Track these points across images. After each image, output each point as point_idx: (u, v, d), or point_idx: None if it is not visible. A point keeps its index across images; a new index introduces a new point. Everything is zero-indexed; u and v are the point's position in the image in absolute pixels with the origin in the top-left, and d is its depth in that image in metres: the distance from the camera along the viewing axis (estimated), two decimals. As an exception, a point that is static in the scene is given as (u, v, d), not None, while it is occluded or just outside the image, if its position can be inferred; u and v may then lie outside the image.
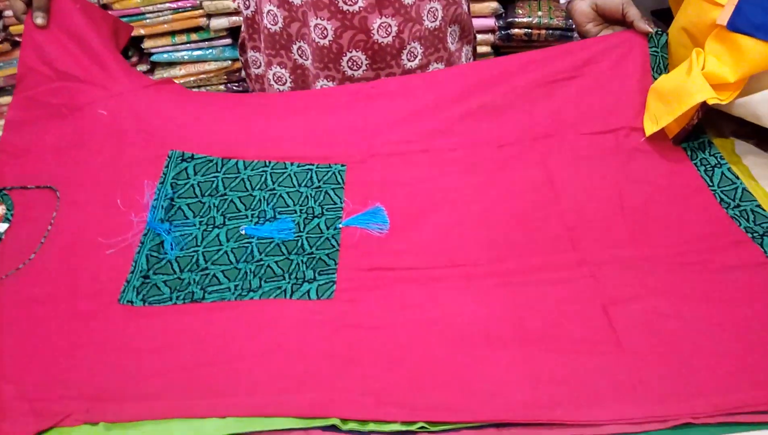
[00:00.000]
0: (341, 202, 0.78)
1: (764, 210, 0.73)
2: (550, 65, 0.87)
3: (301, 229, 0.76)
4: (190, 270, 0.72)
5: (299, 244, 0.74)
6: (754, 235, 0.70)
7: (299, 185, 0.81)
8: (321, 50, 0.92)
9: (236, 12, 1.86)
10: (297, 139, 0.86)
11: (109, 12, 1.77)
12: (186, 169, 0.82)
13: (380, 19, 0.89)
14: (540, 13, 1.90)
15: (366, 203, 0.78)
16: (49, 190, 0.80)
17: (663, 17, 1.75)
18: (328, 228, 0.76)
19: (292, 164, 0.83)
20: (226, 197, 0.80)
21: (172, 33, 1.92)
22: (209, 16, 1.89)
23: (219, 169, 0.83)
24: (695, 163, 0.80)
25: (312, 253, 0.73)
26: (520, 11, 1.92)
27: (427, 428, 0.55)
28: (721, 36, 0.75)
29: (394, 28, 0.91)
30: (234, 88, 2.04)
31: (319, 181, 0.81)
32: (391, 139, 0.86)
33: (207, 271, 0.72)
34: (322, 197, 0.79)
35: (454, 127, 0.86)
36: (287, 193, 0.80)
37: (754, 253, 0.68)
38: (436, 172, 0.82)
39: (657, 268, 0.67)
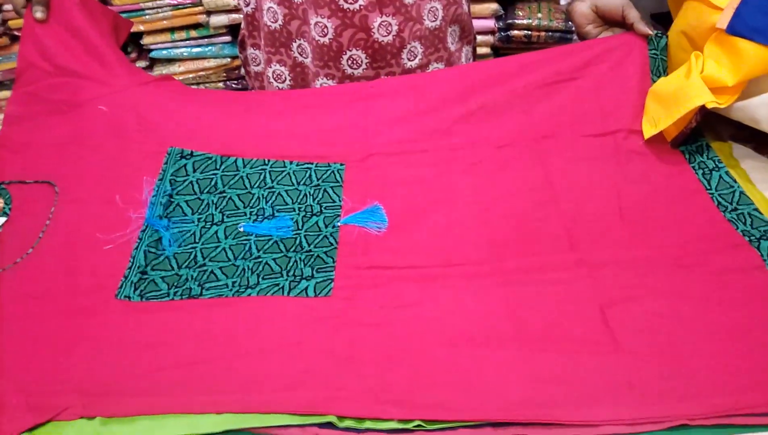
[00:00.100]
0: (340, 201, 0.79)
1: (761, 213, 0.73)
2: (549, 67, 0.88)
3: (300, 227, 0.76)
4: (188, 266, 0.72)
5: (297, 241, 0.74)
6: (751, 238, 0.70)
7: (298, 183, 0.81)
8: (321, 48, 0.92)
9: (236, 9, 1.86)
10: (296, 137, 0.86)
11: (109, 7, 1.77)
12: (185, 166, 0.82)
13: (381, 17, 0.89)
14: (540, 14, 1.91)
15: (365, 202, 0.78)
16: (47, 185, 0.80)
17: (662, 21, 1.75)
18: (326, 226, 0.76)
19: (291, 162, 0.83)
20: (224, 194, 0.80)
21: (172, 29, 1.92)
22: (209, 13, 1.89)
23: (218, 167, 0.83)
24: (693, 166, 0.80)
25: (310, 250, 0.73)
26: (520, 13, 1.93)
27: (423, 426, 0.56)
28: (720, 40, 0.75)
29: (395, 27, 0.91)
30: (233, 85, 2.04)
31: (318, 180, 0.81)
32: (391, 139, 0.86)
33: (205, 268, 0.72)
34: (320, 195, 0.79)
35: (453, 127, 0.86)
36: (286, 191, 0.80)
37: (750, 257, 0.68)
38: (435, 171, 0.82)
39: (655, 270, 0.68)
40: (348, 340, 0.63)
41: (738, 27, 0.73)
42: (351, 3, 0.87)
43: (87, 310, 0.66)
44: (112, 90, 0.87)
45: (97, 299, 0.67)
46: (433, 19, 0.94)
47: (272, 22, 0.94)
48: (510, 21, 1.92)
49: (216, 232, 0.76)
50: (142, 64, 1.96)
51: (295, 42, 0.95)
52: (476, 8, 1.89)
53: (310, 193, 0.80)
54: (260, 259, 0.72)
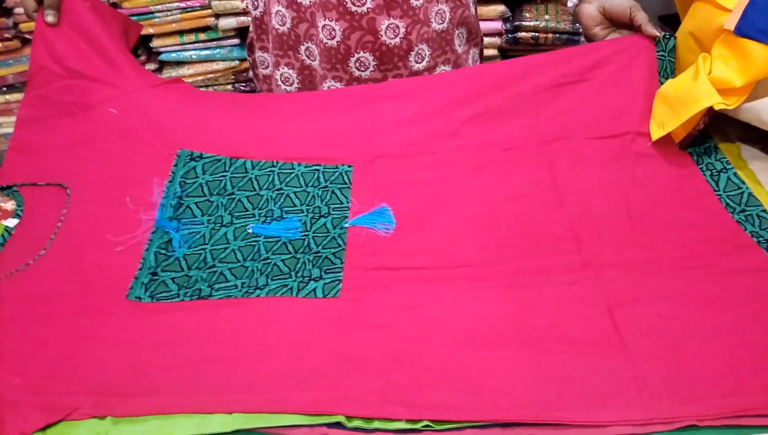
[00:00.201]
0: (348, 202, 0.79)
1: (770, 214, 0.73)
2: (557, 69, 0.88)
3: (308, 229, 0.76)
4: (197, 267, 0.72)
5: (306, 243, 0.75)
6: (760, 239, 0.70)
7: (306, 185, 0.82)
8: (329, 51, 0.93)
9: (244, 12, 1.87)
10: (304, 139, 0.87)
11: (119, 10, 1.78)
12: (195, 168, 0.83)
13: (388, 20, 0.90)
14: (547, 16, 1.91)
15: (372, 203, 0.78)
16: (59, 188, 0.81)
17: (670, 22, 1.75)
18: (334, 227, 0.76)
19: (299, 164, 0.84)
20: (233, 196, 0.81)
21: (181, 32, 1.93)
22: (217, 15, 1.89)
23: (227, 169, 0.83)
24: (701, 168, 0.80)
25: (318, 251, 0.73)
26: (527, 14, 1.92)
27: (431, 427, 0.56)
28: (728, 41, 0.75)
29: (402, 30, 0.91)
30: (241, 88, 2.04)
31: (326, 181, 0.82)
32: (398, 141, 0.86)
33: (214, 269, 0.72)
34: (328, 197, 0.80)
35: (460, 129, 0.86)
36: (294, 192, 0.81)
37: (759, 258, 0.68)
38: (442, 173, 0.82)
39: (662, 272, 0.68)
40: (356, 340, 0.63)
41: (746, 28, 0.73)
42: (359, 6, 0.88)
43: (98, 311, 0.67)
44: (122, 92, 0.88)
45: (108, 300, 0.68)
46: (441, 21, 0.95)
47: (280, 25, 0.95)
48: (517, 23, 1.92)
49: (225, 234, 0.76)
50: (151, 66, 1.97)
51: (303, 45, 0.96)
52: (483, 10, 1.89)
53: (318, 194, 0.80)
54: (269, 261, 0.73)
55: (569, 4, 0.95)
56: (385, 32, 0.91)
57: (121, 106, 0.87)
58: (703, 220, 0.73)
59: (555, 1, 1.92)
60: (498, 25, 1.93)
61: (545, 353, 0.61)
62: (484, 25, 1.88)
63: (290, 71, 1.00)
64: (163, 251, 0.74)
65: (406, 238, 0.74)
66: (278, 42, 0.97)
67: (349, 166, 0.83)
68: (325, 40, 0.92)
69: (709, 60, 0.77)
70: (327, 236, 0.75)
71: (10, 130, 1.90)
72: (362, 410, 0.57)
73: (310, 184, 0.82)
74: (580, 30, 1.65)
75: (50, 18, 0.86)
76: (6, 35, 1.88)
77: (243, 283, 0.70)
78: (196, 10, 1.88)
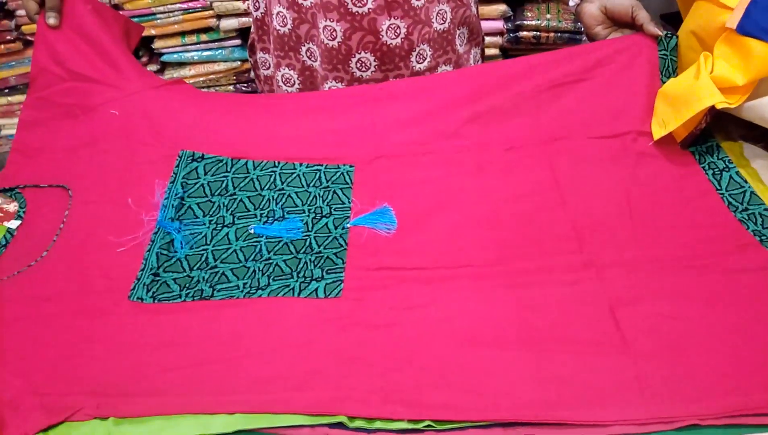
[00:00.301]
0: (349, 202, 0.79)
1: (772, 213, 0.73)
2: (558, 68, 0.88)
3: (310, 229, 0.76)
4: (199, 268, 0.73)
5: (307, 243, 0.75)
6: (762, 238, 0.70)
7: (308, 185, 0.82)
8: (330, 52, 0.93)
9: (246, 13, 1.87)
10: (306, 139, 0.87)
11: (120, 12, 1.79)
12: (196, 168, 0.83)
13: (389, 20, 0.90)
14: (549, 15, 1.90)
15: (374, 203, 0.78)
16: (61, 189, 0.81)
17: (672, 21, 1.75)
18: (336, 227, 0.76)
19: (301, 165, 0.84)
20: (235, 197, 0.81)
21: (183, 33, 1.93)
22: (219, 16, 1.90)
23: (229, 169, 0.83)
24: (703, 167, 0.80)
25: (320, 252, 0.73)
26: (529, 14, 1.92)
27: (433, 427, 0.56)
28: (730, 39, 0.75)
29: (403, 30, 0.91)
30: (243, 88, 2.05)
31: (327, 182, 0.82)
32: (399, 141, 0.86)
33: (216, 270, 0.72)
34: (330, 197, 0.80)
35: (461, 129, 0.86)
36: (296, 193, 0.81)
37: (761, 256, 0.68)
38: (443, 173, 0.82)
39: (664, 271, 0.67)
40: (357, 340, 0.63)
41: (748, 27, 0.73)
42: (360, 6, 0.88)
43: (100, 312, 0.67)
44: (123, 94, 0.88)
45: (110, 301, 0.68)
46: (442, 21, 0.94)
47: (281, 26, 0.95)
48: (519, 22, 1.92)
49: (227, 234, 0.76)
50: (153, 67, 1.98)
51: (304, 46, 0.96)
52: (485, 9, 1.88)
53: (319, 194, 0.80)
54: (271, 261, 0.73)
55: (571, 3, 0.95)
56: (386, 32, 0.91)
57: (123, 108, 0.87)
58: (705, 219, 0.73)
59: (556, 1, 1.92)
60: (499, 25, 1.93)
61: (546, 353, 0.60)
62: (486, 25, 1.88)
63: (291, 72, 1.00)
64: (165, 252, 0.74)
65: (407, 238, 0.74)
66: (279, 43, 0.97)
67: (351, 166, 0.83)
68: (326, 41, 0.92)
69: (710, 59, 0.77)
70: (329, 236, 0.75)
71: (13, 131, 1.91)
72: (364, 410, 0.57)
73: (311, 185, 0.82)
74: (582, 29, 1.65)
75: (52, 20, 0.86)
76: (8, 37, 1.89)
77: (245, 284, 0.70)
78: (197, 11, 1.88)
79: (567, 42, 1.93)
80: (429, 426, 0.56)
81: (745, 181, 0.77)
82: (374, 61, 0.94)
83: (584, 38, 1.78)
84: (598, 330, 0.62)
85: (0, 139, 2.10)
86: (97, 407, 0.58)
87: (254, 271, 0.72)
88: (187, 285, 0.70)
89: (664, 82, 0.85)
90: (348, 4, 0.88)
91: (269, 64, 1.04)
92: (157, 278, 0.71)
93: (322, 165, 0.84)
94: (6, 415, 0.57)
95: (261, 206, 0.80)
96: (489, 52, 1.97)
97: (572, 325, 0.63)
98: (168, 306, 0.68)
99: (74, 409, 0.58)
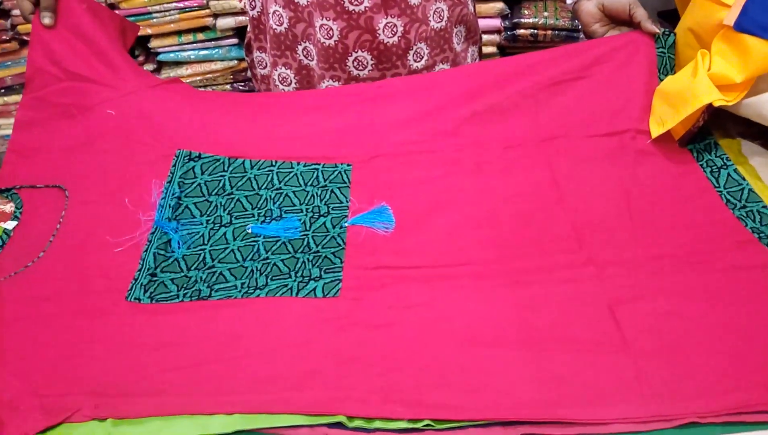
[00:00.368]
0: (347, 201, 0.79)
1: (771, 210, 0.73)
2: (556, 66, 0.87)
3: (307, 228, 0.76)
4: (197, 268, 0.72)
5: (305, 242, 0.74)
6: (761, 235, 0.70)
7: (305, 184, 0.81)
8: (326, 50, 0.92)
9: (243, 12, 1.87)
10: (303, 138, 0.87)
11: (116, 11, 1.78)
12: (193, 168, 0.83)
13: (386, 19, 0.90)
14: (546, 13, 1.90)
15: (372, 202, 0.78)
16: (58, 189, 0.81)
17: (669, 18, 1.75)
18: (333, 227, 0.76)
19: (298, 164, 0.84)
20: (232, 196, 0.80)
21: (179, 32, 1.92)
22: (216, 15, 1.89)
23: (226, 169, 0.83)
24: (701, 165, 0.80)
25: (318, 251, 0.73)
26: (526, 12, 1.92)
27: (433, 426, 0.56)
28: (727, 36, 0.75)
29: (400, 29, 0.91)
30: (240, 87, 2.04)
31: (325, 181, 0.82)
32: (397, 140, 0.86)
33: (214, 269, 0.72)
34: (328, 196, 0.80)
35: (459, 127, 0.86)
36: (293, 192, 0.81)
37: (760, 254, 0.68)
38: (441, 172, 0.82)
39: (663, 269, 0.67)
40: (356, 340, 0.63)
41: (745, 24, 0.73)
42: (356, 5, 0.88)
43: (97, 312, 0.67)
44: (120, 93, 0.88)
45: (108, 301, 0.68)
46: (439, 19, 0.94)
47: (278, 25, 0.95)
48: (516, 20, 1.92)
49: (224, 234, 0.76)
50: (149, 67, 1.97)
51: (301, 45, 0.96)
52: (482, 7, 1.88)
53: (317, 193, 0.80)
54: (268, 261, 0.73)
55: (568, 1, 0.95)
56: (383, 31, 0.91)
57: (120, 108, 0.87)
58: (703, 217, 0.73)
59: (554, -2, 1.92)
60: (497, 23, 1.93)
61: (546, 352, 0.60)
62: (483, 23, 1.88)
63: (288, 71, 1.00)
64: (162, 252, 0.73)
65: (405, 238, 0.74)
66: (276, 42, 0.97)
67: (348, 165, 0.83)
68: (322, 40, 0.91)
69: (708, 56, 0.77)
70: (326, 236, 0.75)
71: (9, 132, 1.90)
72: (363, 410, 0.57)
73: (309, 184, 0.81)
74: (579, 27, 1.64)
75: (47, 20, 0.86)
76: (4, 37, 1.88)
77: (242, 284, 0.70)
78: (194, 10, 1.87)
79: (564, 40, 1.93)
80: (428, 425, 0.56)
81: (743, 179, 0.77)
82: (371, 59, 0.94)
83: (581, 36, 1.78)
84: (597, 329, 0.62)
85: (-4, 140, 2.09)
86: (95, 408, 0.58)
87: (252, 270, 0.72)
88: (184, 285, 0.70)
89: (661, 80, 0.84)
90: (344, 2, 0.87)
91: (266, 64, 1.04)
92: (155, 278, 0.71)
93: (319, 164, 0.84)
94: (5, 416, 0.57)
95: (258, 206, 0.79)
96: (486, 50, 1.97)
97: (572, 324, 0.63)
98: (166, 306, 0.68)
99: (73, 410, 0.58)
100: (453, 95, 0.88)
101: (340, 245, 0.74)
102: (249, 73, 1.18)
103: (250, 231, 0.76)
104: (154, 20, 1.87)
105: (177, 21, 1.88)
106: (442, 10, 0.94)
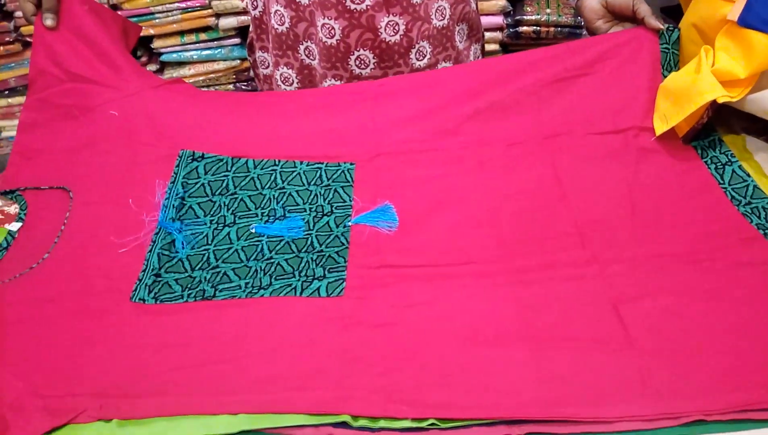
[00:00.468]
0: (350, 200, 0.79)
1: (776, 207, 0.72)
2: (559, 63, 0.87)
3: (311, 227, 0.76)
4: (201, 268, 0.72)
5: (309, 242, 0.74)
6: (766, 231, 0.70)
7: (309, 184, 0.81)
8: (328, 50, 0.92)
9: (245, 11, 1.86)
10: (306, 137, 0.87)
11: (119, 12, 1.78)
12: (196, 168, 0.83)
13: (388, 17, 0.89)
14: (548, 10, 1.90)
15: (375, 201, 0.78)
16: (62, 191, 0.81)
17: (672, 14, 1.74)
18: (337, 226, 0.76)
19: (301, 163, 0.84)
20: (236, 196, 0.80)
21: (182, 33, 1.93)
22: (218, 15, 1.90)
23: (229, 169, 0.83)
24: (706, 162, 0.80)
25: (322, 250, 0.73)
26: (529, 8, 1.92)
27: (437, 425, 0.56)
28: (731, 32, 0.75)
29: (402, 27, 0.91)
30: (243, 87, 2.04)
31: (328, 180, 0.82)
32: (400, 138, 0.86)
33: (218, 270, 0.72)
34: (331, 195, 0.80)
35: (462, 125, 0.86)
36: (297, 191, 0.81)
37: (765, 250, 0.67)
38: (444, 170, 0.82)
39: (667, 266, 0.67)
40: (360, 339, 0.63)
41: (750, 19, 0.72)
42: (358, 3, 0.87)
43: (102, 313, 0.67)
44: (123, 94, 0.88)
45: (112, 302, 0.68)
46: (441, 18, 0.94)
47: (279, 24, 0.95)
48: (518, 17, 1.91)
49: (228, 234, 0.76)
50: (152, 67, 1.97)
51: (302, 44, 0.96)
52: (484, 5, 1.88)
53: (320, 193, 0.80)
54: (272, 260, 0.73)
55: (571, -2, 0.95)
56: (385, 29, 0.90)
57: (123, 108, 0.87)
58: (708, 214, 0.73)
59: (556, -5, 1.91)
60: (499, 20, 1.93)
61: (550, 350, 0.60)
62: (485, 20, 1.88)
63: (290, 71, 1.00)
64: (166, 252, 0.74)
65: (409, 236, 0.74)
66: (277, 42, 0.97)
67: (352, 164, 0.83)
68: (324, 39, 0.91)
69: (711, 52, 0.77)
70: (330, 235, 0.75)
71: (13, 133, 1.91)
72: (367, 409, 0.57)
73: (312, 183, 0.81)
74: (582, 23, 1.64)
75: (49, 21, 0.86)
76: (7, 38, 1.89)
77: (246, 284, 0.70)
78: (196, 10, 1.88)
79: (567, 37, 1.92)
80: (433, 424, 0.56)
81: (748, 175, 0.77)
82: (373, 58, 0.93)
83: (584, 32, 1.78)
84: (601, 327, 0.62)
85: (0, 141, 2.10)
86: (100, 409, 0.58)
87: (256, 270, 0.72)
88: (188, 285, 0.70)
89: (665, 77, 0.84)
90: (346, 1, 0.87)
91: (268, 63, 1.04)
92: (159, 279, 0.71)
93: (322, 163, 0.83)
94: (9, 418, 0.57)
95: (262, 205, 0.79)
96: (489, 47, 1.96)
97: (575, 322, 0.63)
98: (170, 306, 0.68)
99: (77, 411, 0.58)
100: (455, 93, 0.88)
101: (343, 244, 0.74)
102: (252, 73, 1.18)
103: (253, 231, 0.76)
104: (157, 21, 1.88)
105: (179, 21, 1.88)
106: (445, 8, 0.94)
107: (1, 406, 0.58)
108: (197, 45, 1.95)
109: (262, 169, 0.83)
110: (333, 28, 0.90)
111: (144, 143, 0.85)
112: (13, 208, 0.80)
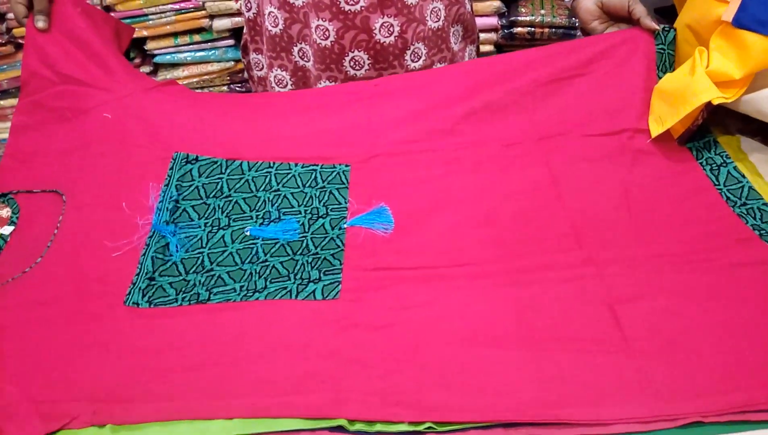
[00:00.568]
0: (346, 202, 0.78)
1: (771, 207, 0.72)
2: (555, 63, 0.87)
3: (306, 230, 0.76)
4: (195, 271, 0.72)
5: (304, 244, 0.74)
6: (762, 232, 0.70)
7: (303, 186, 0.81)
8: (323, 51, 0.92)
9: (239, 13, 1.86)
10: (301, 139, 0.86)
11: (112, 13, 1.77)
12: (190, 170, 0.82)
13: (382, 18, 0.89)
14: (543, 11, 1.90)
15: (370, 203, 0.78)
16: (54, 194, 0.80)
17: (666, 15, 1.74)
18: (332, 228, 0.76)
19: (296, 165, 0.83)
20: (230, 198, 0.80)
21: (175, 34, 1.92)
22: (212, 17, 1.89)
23: (223, 171, 0.83)
24: (701, 163, 0.80)
25: (317, 253, 0.73)
26: (523, 9, 1.92)
27: (434, 428, 0.55)
28: (726, 33, 0.75)
29: (397, 28, 0.91)
30: (237, 88, 2.04)
31: (323, 182, 0.81)
32: (395, 139, 0.85)
33: (212, 273, 0.72)
34: (326, 197, 0.79)
35: (458, 126, 0.86)
36: (292, 193, 0.80)
37: (761, 250, 0.67)
38: (440, 171, 0.82)
39: (663, 267, 0.67)
40: (356, 342, 0.62)
41: (744, 20, 0.72)
42: (352, 4, 0.87)
43: (95, 318, 0.66)
44: (115, 97, 0.87)
45: (106, 306, 0.68)
46: (436, 19, 0.94)
47: (273, 26, 0.94)
48: (513, 18, 1.91)
49: (223, 237, 0.76)
50: (146, 69, 1.96)
51: (296, 46, 0.95)
52: (479, 6, 1.88)
53: (315, 195, 0.80)
54: (267, 263, 0.72)
55: (566, 0, 0.94)
56: (380, 31, 0.90)
57: (116, 111, 0.86)
58: (704, 215, 0.73)
59: (550, -4, 1.92)
60: (494, 21, 1.93)
61: (547, 351, 0.60)
62: (480, 21, 1.88)
63: (283, 73, 0.99)
64: (161, 256, 0.73)
65: (405, 238, 0.74)
66: (271, 44, 0.97)
67: (347, 166, 0.83)
68: (318, 41, 0.91)
69: (705, 54, 0.77)
70: (325, 237, 0.75)
71: (5, 135, 1.89)
72: (364, 413, 0.56)
73: (307, 185, 0.81)
74: (577, 24, 1.64)
75: (41, 24, 0.85)
76: (-1, 40, 1.88)
77: (241, 287, 0.70)
78: (190, 12, 1.87)
79: (561, 38, 1.92)
80: (430, 428, 0.55)
81: (743, 176, 0.77)
82: (368, 59, 0.93)
83: (578, 33, 1.78)
84: (598, 328, 0.62)
85: (-7, 144, 2.08)
86: (94, 414, 0.58)
87: (251, 273, 0.71)
88: (183, 289, 0.70)
89: (660, 77, 0.84)
90: (340, 2, 0.87)
91: (262, 65, 1.03)
92: (153, 282, 0.70)
93: (317, 165, 0.83)
94: (2, 423, 0.57)
95: (256, 208, 0.79)
96: (483, 48, 1.96)
97: (572, 324, 0.62)
98: (164, 310, 0.67)
99: (71, 416, 0.57)
100: (450, 93, 0.88)
101: (339, 247, 0.73)
102: (246, 75, 1.17)
103: (248, 233, 0.76)
104: (150, 22, 1.87)
105: (173, 23, 1.87)
106: (439, 10, 0.94)
107: (-6, 412, 0.57)
108: (191, 46, 1.94)
109: (256, 171, 0.83)
110: (327, 29, 0.89)
111: (137, 146, 0.84)
112: (5, 212, 0.79)
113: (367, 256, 0.72)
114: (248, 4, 0.99)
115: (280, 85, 1.01)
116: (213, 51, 1.96)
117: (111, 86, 0.87)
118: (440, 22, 0.95)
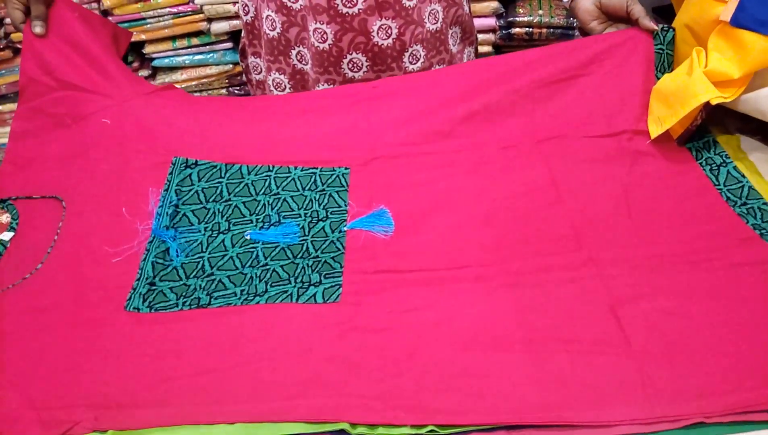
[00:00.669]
0: (345, 205, 0.78)
1: (771, 206, 0.72)
2: (554, 64, 0.87)
3: (306, 233, 0.76)
4: (195, 276, 0.72)
5: (304, 247, 0.74)
6: (762, 232, 0.70)
7: (303, 189, 0.81)
8: (321, 54, 0.92)
9: (237, 16, 1.86)
10: (300, 142, 0.86)
11: (110, 18, 1.77)
12: (190, 175, 0.82)
13: (380, 21, 0.89)
14: (541, 11, 1.90)
15: (370, 206, 0.78)
16: (54, 200, 0.80)
17: (664, 14, 1.74)
18: (332, 231, 0.76)
19: (295, 168, 0.83)
20: (230, 203, 0.80)
21: (173, 38, 1.92)
22: (210, 20, 1.89)
23: (223, 175, 0.83)
24: (700, 163, 0.80)
25: (317, 256, 0.73)
26: (521, 10, 1.92)
27: (437, 431, 0.55)
28: (724, 32, 0.75)
29: (395, 31, 0.91)
30: (236, 91, 2.04)
31: (323, 185, 0.81)
32: (394, 141, 0.85)
33: (213, 277, 0.71)
34: (326, 200, 0.79)
35: (457, 128, 0.86)
36: (291, 197, 0.80)
37: (761, 250, 0.67)
38: (439, 173, 0.82)
39: (664, 267, 0.67)
40: (357, 345, 0.62)
41: (742, 19, 0.72)
42: (350, 7, 0.87)
43: (96, 323, 0.66)
44: (114, 102, 0.87)
45: (106, 311, 0.67)
46: (434, 21, 0.94)
47: (271, 30, 0.94)
48: (511, 19, 1.91)
49: (223, 241, 0.76)
50: (144, 72, 1.96)
51: (294, 49, 0.95)
52: (477, 7, 1.88)
53: (315, 198, 0.80)
54: (268, 267, 0.72)
55: (564, 0, 0.94)
56: (377, 33, 0.90)
57: (115, 116, 0.86)
58: (704, 215, 0.73)
59: (548, -4, 1.92)
60: (492, 22, 1.93)
61: (548, 353, 0.60)
62: (478, 22, 1.88)
63: (281, 76, 0.99)
64: (161, 261, 0.73)
65: (405, 240, 0.74)
66: (269, 47, 0.97)
67: (346, 169, 0.83)
68: (316, 44, 0.91)
69: (703, 54, 0.77)
70: (326, 240, 0.75)
71: (4, 141, 1.89)
72: (366, 417, 0.56)
73: (307, 188, 0.81)
74: (575, 24, 1.64)
75: (38, 29, 0.85)
76: (-3, 45, 1.88)
77: (242, 291, 0.70)
78: (188, 15, 1.87)
79: (559, 38, 1.92)
80: (432, 431, 0.55)
81: (743, 176, 0.77)
82: (366, 61, 0.93)
83: (576, 34, 1.78)
84: (599, 329, 0.62)
85: (-8, 149, 2.08)
86: (95, 420, 0.58)
87: (251, 277, 0.71)
88: (183, 293, 0.70)
89: (659, 78, 0.84)
90: (338, 5, 0.87)
91: (261, 69, 1.03)
92: (154, 287, 0.70)
93: (317, 168, 0.83)
94: (4, 430, 0.57)
95: (256, 211, 0.79)
96: (482, 49, 1.96)
97: (573, 325, 0.62)
98: (165, 315, 0.67)
99: (73, 423, 0.57)
100: (449, 94, 0.88)
101: (339, 250, 0.73)
102: (244, 78, 1.17)
103: (248, 237, 0.76)
104: (148, 26, 1.87)
105: (171, 26, 1.87)
106: (438, 12, 0.94)
107: (-4, 419, 0.57)
108: (189, 50, 1.94)
109: (256, 175, 0.83)
110: (325, 32, 0.89)
111: (137, 151, 0.84)
112: (5, 218, 0.79)
113: (368, 259, 0.72)
114: (246, 8, 0.99)
115: (279, 89, 1.01)
116: (211, 54, 1.96)
117: (110, 91, 0.87)
118: (438, 24, 0.95)
